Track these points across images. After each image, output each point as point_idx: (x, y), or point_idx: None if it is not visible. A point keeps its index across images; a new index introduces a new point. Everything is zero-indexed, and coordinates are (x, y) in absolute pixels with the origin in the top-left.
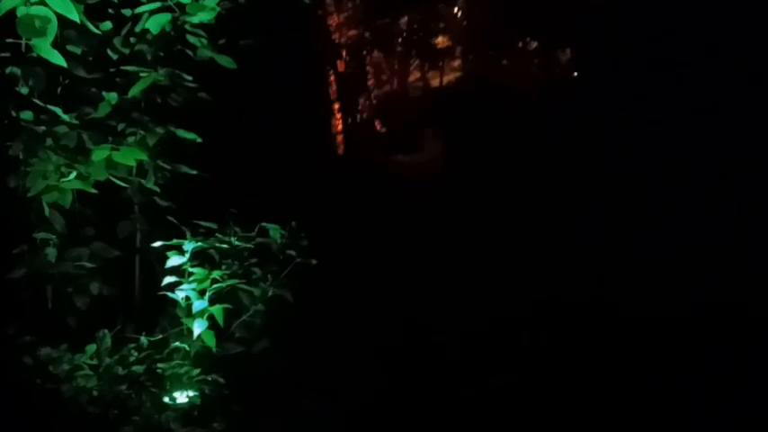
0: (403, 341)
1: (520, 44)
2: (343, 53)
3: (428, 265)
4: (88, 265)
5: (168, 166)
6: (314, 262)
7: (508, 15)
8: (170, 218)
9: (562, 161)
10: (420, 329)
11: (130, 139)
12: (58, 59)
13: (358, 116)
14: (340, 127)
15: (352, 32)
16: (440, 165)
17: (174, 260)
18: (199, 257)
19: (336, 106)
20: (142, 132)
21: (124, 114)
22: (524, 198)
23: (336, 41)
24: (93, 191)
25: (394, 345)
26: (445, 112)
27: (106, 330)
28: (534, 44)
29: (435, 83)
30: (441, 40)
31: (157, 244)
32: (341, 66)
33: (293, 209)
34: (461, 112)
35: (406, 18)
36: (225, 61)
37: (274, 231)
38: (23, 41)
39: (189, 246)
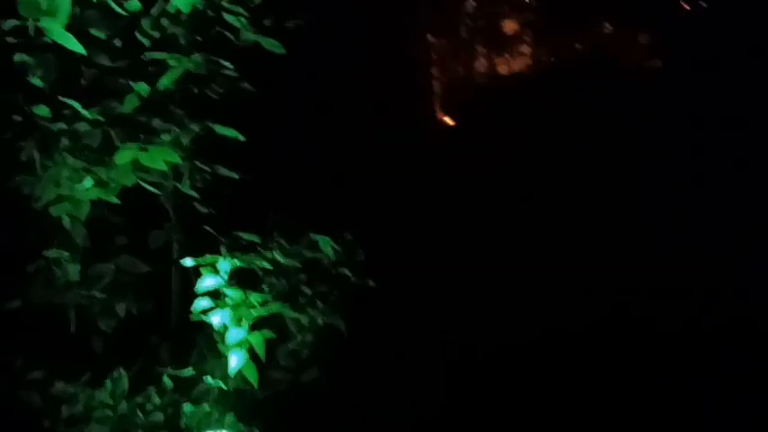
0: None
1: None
2: (413, 39)
3: (490, 279)
4: (97, 296)
5: (207, 168)
6: (371, 283)
7: None
8: (207, 228)
9: (645, 161)
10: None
11: (164, 137)
12: (73, 45)
13: (426, 108)
14: (405, 121)
15: (421, 16)
16: (510, 161)
17: (206, 281)
18: (238, 275)
19: (401, 97)
20: (177, 129)
21: (156, 109)
22: (600, 204)
23: (402, 26)
24: (115, 200)
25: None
26: (515, 104)
27: (122, 369)
28: (611, 27)
29: (506, 70)
30: (509, 25)
31: (188, 262)
32: (410, 52)
33: (347, 216)
34: (532, 103)
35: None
36: (271, 45)
37: (325, 244)
38: (30, 23)
39: (224, 265)
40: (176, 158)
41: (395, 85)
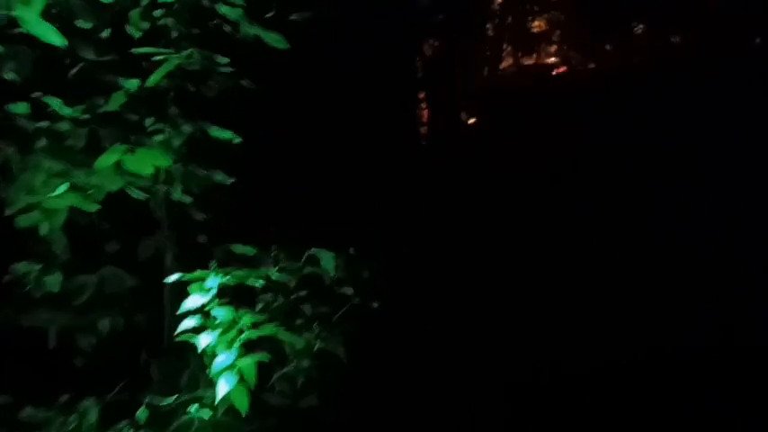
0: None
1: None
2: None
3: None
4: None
5: (200, 173)
6: (375, 305)
7: None
8: (201, 238)
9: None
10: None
11: (157, 138)
12: (50, 36)
13: (446, 110)
14: (424, 123)
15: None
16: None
17: (193, 299)
18: (232, 291)
19: (420, 97)
20: (169, 130)
21: (146, 108)
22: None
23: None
24: (93, 208)
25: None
26: (543, 105)
27: (92, 399)
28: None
29: (533, 71)
30: (536, 24)
31: (173, 277)
32: (427, 50)
33: (355, 228)
34: (560, 104)
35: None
36: (273, 40)
37: (327, 260)
38: (1, 12)
39: (212, 282)
40: (166, 162)
41: (412, 83)
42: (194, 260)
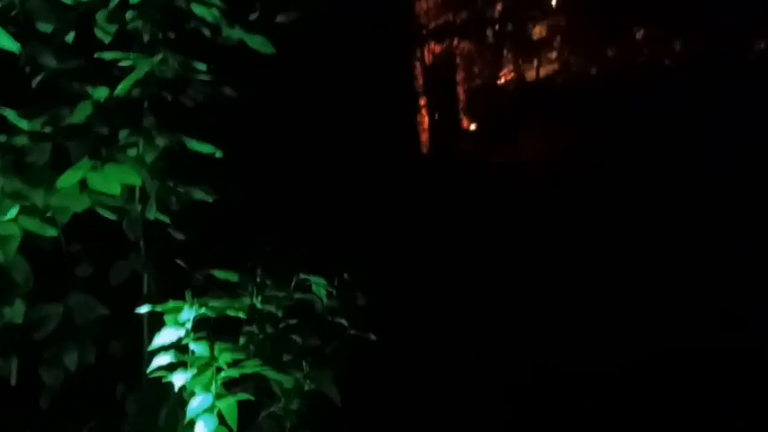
0: None
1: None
2: (430, 41)
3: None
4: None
5: (179, 190)
6: (373, 337)
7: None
8: (181, 260)
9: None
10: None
11: (131, 152)
12: (3, 41)
13: (446, 116)
14: (424, 133)
15: (441, 17)
16: (546, 170)
17: (167, 334)
18: (211, 322)
19: (420, 104)
20: (144, 143)
21: (119, 118)
22: (650, 217)
23: (421, 26)
24: (52, 231)
25: None
26: (549, 109)
27: None
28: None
29: (532, 76)
30: (537, 30)
31: (143, 309)
32: (427, 56)
33: (350, 249)
34: (567, 108)
35: (500, 4)
36: (258, 44)
37: (319, 287)
38: None
39: (188, 314)
40: (136, 179)
41: (411, 90)
42: (174, 284)
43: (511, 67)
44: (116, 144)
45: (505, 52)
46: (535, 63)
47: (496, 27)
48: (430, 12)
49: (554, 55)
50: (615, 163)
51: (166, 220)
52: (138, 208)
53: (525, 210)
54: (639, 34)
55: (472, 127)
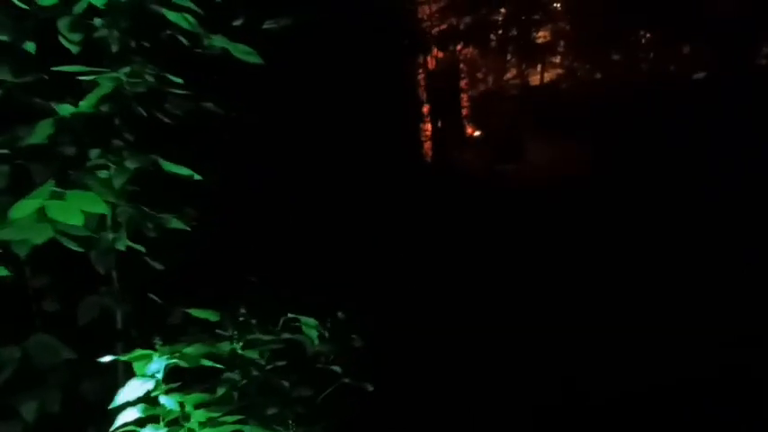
0: None
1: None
2: (432, 48)
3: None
4: None
5: (154, 217)
6: (370, 388)
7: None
8: (156, 295)
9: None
10: None
11: (102, 174)
12: None
13: (449, 123)
14: (427, 141)
15: (444, 24)
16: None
17: (133, 387)
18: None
19: (423, 112)
20: (112, 166)
21: (89, 137)
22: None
23: (424, 33)
24: (2, 272)
25: None
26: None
27: None
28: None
29: (537, 81)
30: (541, 35)
31: (106, 359)
32: (430, 63)
33: (345, 284)
34: (574, 114)
35: (503, 10)
36: (243, 53)
37: (309, 327)
38: None
39: (156, 365)
40: (100, 207)
41: (413, 97)
42: (150, 321)
43: (515, 72)
44: (84, 166)
45: (509, 57)
46: (539, 68)
47: (500, 32)
48: (433, 17)
49: (558, 59)
50: (627, 170)
51: (141, 249)
52: (111, 236)
53: (539, 223)
54: (644, 39)
55: (476, 134)
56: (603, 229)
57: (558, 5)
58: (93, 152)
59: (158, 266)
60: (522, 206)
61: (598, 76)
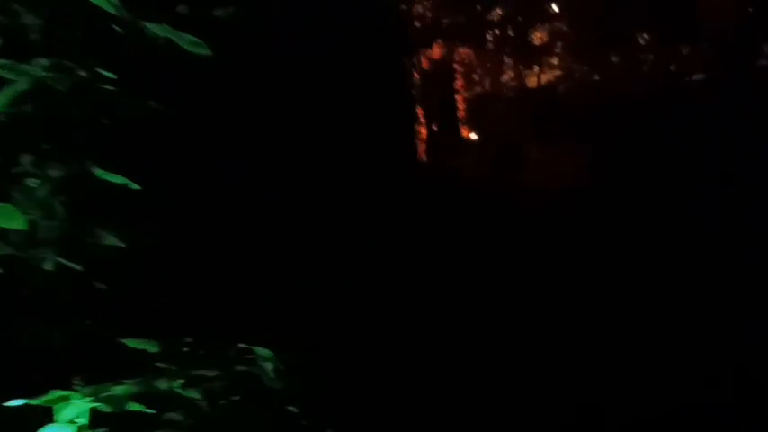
0: None
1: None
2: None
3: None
4: None
5: (86, 234)
6: None
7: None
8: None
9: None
10: None
11: (31, 183)
12: None
13: (445, 126)
14: (422, 144)
15: (438, 21)
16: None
17: None
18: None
19: (417, 113)
20: (36, 173)
21: (9, 142)
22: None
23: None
24: None
25: None
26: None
27: None
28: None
29: (535, 83)
30: (539, 35)
31: (15, 403)
32: (424, 64)
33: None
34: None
35: (500, 9)
36: (190, 44)
37: (266, 360)
38: None
39: (75, 410)
40: (18, 222)
41: (407, 99)
42: (77, 352)
43: (512, 74)
44: (8, 175)
45: (506, 59)
46: (536, 69)
47: (497, 31)
48: (427, 16)
49: (556, 61)
50: (628, 172)
51: (77, 267)
52: (38, 256)
53: (541, 232)
54: (644, 40)
55: (472, 137)
56: (607, 236)
57: (556, 6)
58: (25, 159)
59: (101, 285)
60: (521, 213)
61: (596, 77)
